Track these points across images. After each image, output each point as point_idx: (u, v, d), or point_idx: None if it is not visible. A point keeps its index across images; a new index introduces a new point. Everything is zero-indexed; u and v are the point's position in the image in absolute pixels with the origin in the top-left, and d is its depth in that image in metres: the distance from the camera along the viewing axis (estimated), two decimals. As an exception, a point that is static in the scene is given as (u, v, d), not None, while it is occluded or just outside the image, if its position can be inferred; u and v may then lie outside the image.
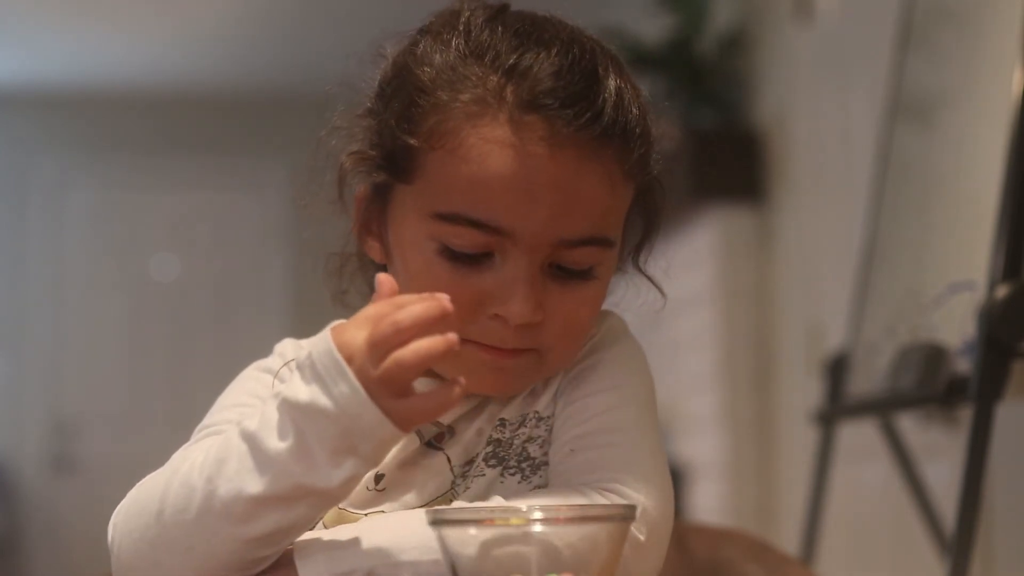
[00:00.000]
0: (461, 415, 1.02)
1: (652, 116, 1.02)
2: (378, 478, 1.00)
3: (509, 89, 0.96)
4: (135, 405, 6.24)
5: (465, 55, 0.98)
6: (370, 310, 0.89)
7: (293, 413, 0.88)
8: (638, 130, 0.99)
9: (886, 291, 2.22)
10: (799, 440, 3.33)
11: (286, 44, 5.62)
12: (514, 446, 1.02)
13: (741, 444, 3.72)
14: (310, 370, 0.88)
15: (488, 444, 1.02)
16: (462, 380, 0.87)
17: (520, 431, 1.02)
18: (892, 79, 2.42)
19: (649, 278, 1.09)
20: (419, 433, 1.01)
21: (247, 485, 0.89)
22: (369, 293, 0.93)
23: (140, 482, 0.96)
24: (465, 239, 0.96)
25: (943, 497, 2.28)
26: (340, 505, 0.99)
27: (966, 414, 1.83)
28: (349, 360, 0.87)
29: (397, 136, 0.99)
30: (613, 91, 0.97)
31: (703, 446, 3.90)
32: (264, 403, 0.92)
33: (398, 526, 0.93)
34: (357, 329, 0.88)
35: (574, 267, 0.99)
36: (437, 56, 0.99)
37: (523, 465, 1.01)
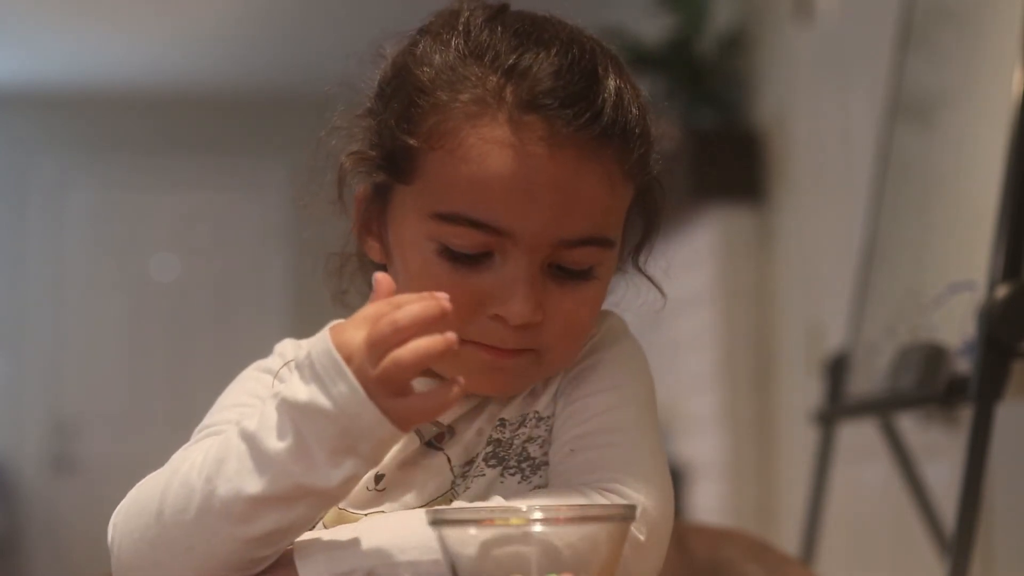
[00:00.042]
0: (461, 415, 1.02)
1: (652, 116, 1.02)
2: (378, 478, 1.00)
3: (509, 89, 0.96)
4: (135, 405, 6.24)
5: (464, 55, 0.98)
6: (369, 310, 0.89)
7: (292, 413, 0.88)
8: (638, 130, 0.99)
9: (886, 291, 2.22)
10: (799, 440, 3.33)
11: (286, 44, 5.62)
12: (514, 446, 1.02)
13: (741, 444, 3.72)
14: (309, 370, 0.88)
15: (488, 444, 1.02)
16: (461, 380, 0.87)
17: (520, 431, 1.02)
18: (892, 79, 2.42)
19: (649, 278, 1.09)
20: (419, 433, 1.01)
21: (246, 485, 0.89)
22: (369, 293, 0.93)
23: (140, 482, 0.96)
24: (465, 239, 0.96)
25: (943, 497, 2.28)
26: (340, 505, 0.99)
27: (966, 414, 1.83)
28: (348, 360, 0.87)
29: (397, 136, 0.99)
30: (613, 91, 0.97)
31: (703, 446, 3.90)
32: (264, 403, 0.92)
33: (398, 526, 0.93)
34: (356, 329, 0.88)
35: (574, 267, 0.99)
36: (437, 56, 0.99)
37: (523, 465, 1.01)
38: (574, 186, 0.96)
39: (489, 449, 1.01)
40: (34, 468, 6.21)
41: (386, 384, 0.86)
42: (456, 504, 0.99)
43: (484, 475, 1.01)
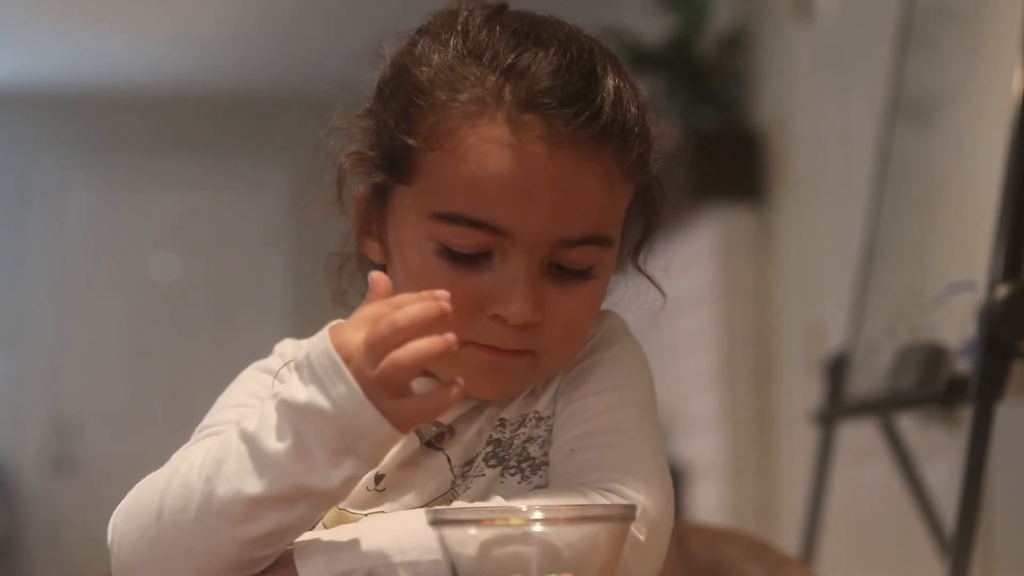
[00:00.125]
0: (461, 415, 1.02)
1: (651, 115, 1.02)
2: (378, 478, 1.00)
3: (507, 89, 0.96)
4: (135, 405, 6.24)
5: (463, 55, 0.98)
6: (368, 310, 0.89)
7: (291, 414, 0.88)
8: (637, 129, 0.99)
9: (886, 291, 2.22)
10: (799, 440, 3.33)
11: (286, 44, 5.62)
12: (514, 446, 1.02)
13: (741, 444, 3.72)
14: (308, 371, 0.88)
15: (488, 444, 1.02)
16: (460, 380, 0.87)
17: (520, 431, 1.02)
18: (892, 79, 2.42)
19: (649, 277, 1.09)
20: (419, 433, 1.01)
21: (246, 485, 0.89)
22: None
23: (140, 482, 0.96)
24: (464, 239, 0.96)
25: (943, 497, 2.28)
26: (340, 505, 0.99)
27: (966, 414, 1.83)
28: (347, 360, 0.87)
29: (396, 136, 0.99)
30: (611, 90, 0.97)
31: (703, 446, 3.90)
32: (263, 403, 0.92)
33: (398, 526, 0.93)
34: (355, 330, 0.88)
35: (573, 266, 0.99)
36: (435, 56, 0.99)
37: (523, 465, 1.01)
38: (573, 185, 0.96)
39: (489, 449, 1.01)
40: (34, 468, 6.21)
41: (385, 385, 0.86)
42: (456, 504, 0.99)
43: (484, 475, 1.01)
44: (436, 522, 0.83)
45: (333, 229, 1.08)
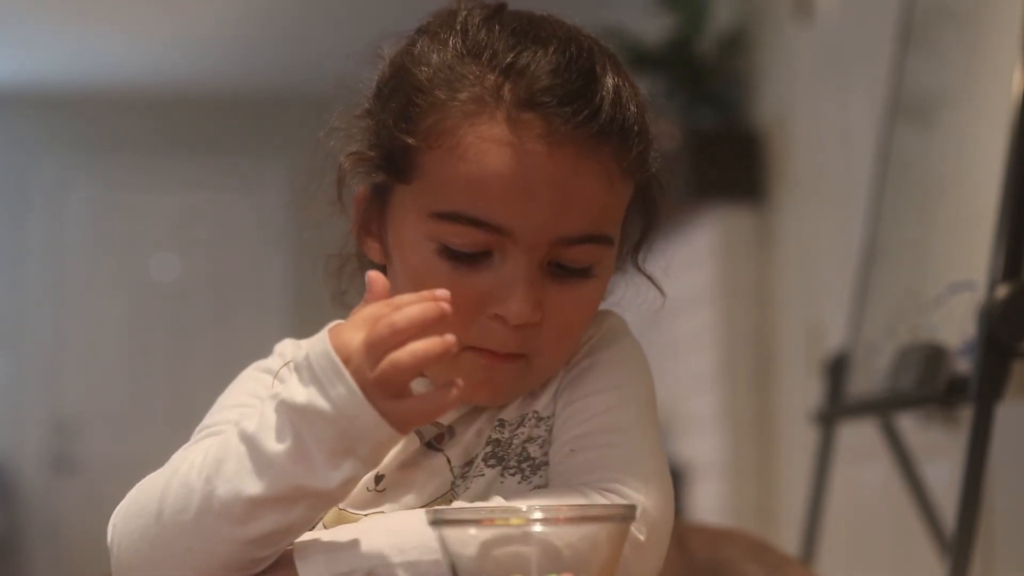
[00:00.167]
0: (461, 417, 1.02)
1: (650, 114, 1.02)
2: (378, 479, 1.00)
3: (507, 87, 0.96)
4: (135, 405, 6.24)
5: (462, 54, 0.98)
6: (367, 311, 0.89)
7: (291, 415, 0.88)
8: (636, 127, 0.99)
9: (886, 291, 2.22)
10: (799, 440, 3.33)
11: (286, 44, 5.62)
12: (513, 446, 1.02)
13: (741, 444, 3.72)
14: (307, 372, 0.88)
15: (487, 444, 1.02)
16: (459, 382, 0.87)
17: (519, 431, 1.02)
18: (892, 79, 2.42)
19: (649, 277, 1.09)
20: (419, 434, 1.01)
21: (246, 486, 0.89)
22: (369, 294, 0.93)
23: (140, 483, 0.96)
24: (464, 238, 0.96)
25: (943, 497, 2.28)
26: (340, 506, 0.99)
27: (966, 414, 1.83)
28: (346, 361, 0.87)
29: (395, 136, 0.99)
30: (611, 89, 0.97)
31: (703, 446, 3.90)
32: (263, 404, 0.92)
33: (398, 526, 0.93)
34: (354, 330, 0.88)
35: (573, 265, 0.99)
36: (434, 55, 0.99)
37: (523, 465, 1.01)
38: (572, 184, 0.96)
39: (488, 449, 1.01)
40: (34, 468, 6.21)
41: (384, 386, 0.86)
42: (456, 504, 0.99)
43: (483, 475, 1.01)
44: (436, 522, 0.83)
45: (333, 229, 1.08)
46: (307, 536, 0.94)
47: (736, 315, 3.75)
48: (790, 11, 3.64)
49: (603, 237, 0.99)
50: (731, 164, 3.79)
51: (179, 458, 0.96)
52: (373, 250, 1.04)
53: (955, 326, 1.83)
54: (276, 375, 1.05)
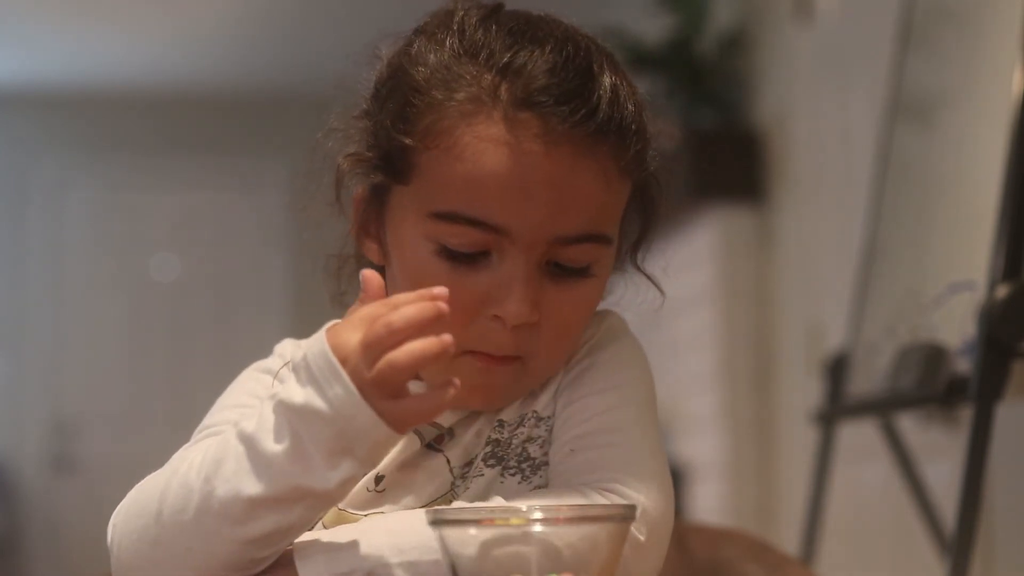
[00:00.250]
0: (461, 419, 1.02)
1: (648, 113, 1.02)
2: (378, 479, 1.00)
3: (503, 87, 0.96)
4: (135, 405, 6.24)
5: (459, 54, 0.98)
6: (365, 311, 0.89)
7: (289, 415, 0.88)
8: (634, 126, 0.99)
9: (886, 291, 2.22)
10: (799, 440, 3.33)
11: (286, 44, 5.62)
12: (513, 446, 1.02)
13: (741, 444, 3.72)
14: (305, 372, 0.88)
15: (487, 445, 1.02)
16: (457, 381, 0.87)
17: (519, 431, 1.02)
18: (892, 79, 2.42)
19: (648, 276, 1.09)
20: (420, 435, 1.01)
21: (244, 486, 0.89)
22: (367, 295, 0.93)
23: (139, 483, 0.96)
24: (462, 238, 0.96)
25: (943, 497, 2.28)
26: (340, 506, 0.99)
27: (966, 414, 1.83)
28: (344, 362, 0.87)
29: (393, 136, 0.99)
30: (608, 87, 0.97)
31: (703, 446, 3.90)
32: (262, 404, 0.92)
33: (398, 526, 0.93)
34: (351, 330, 0.88)
35: (571, 265, 0.99)
36: (431, 56, 0.99)
37: (523, 465, 1.01)
38: (570, 183, 0.96)
39: (488, 449, 1.01)
40: (34, 468, 6.21)
41: (381, 386, 0.86)
42: (456, 504, 0.98)
43: (483, 475, 1.01)
44: (436, 522, 0.83)
45: (332, 230, 1.08)
46: (307, 536, 0.94)
47: (736, 315, 3.75)
48: (790, 11, 3.64)
49: (601, 236, 0.99)
50: (731, 164, 3.79)
51: (179, 458, 0.96)
52: (372, 251, 1.04)
53: (955, 326, 1.83)
54: (276, 375, 1.05)
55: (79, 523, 5.86)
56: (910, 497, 2.36)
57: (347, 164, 1.03)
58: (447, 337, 0.86)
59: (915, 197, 2.20)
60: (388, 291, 0.96)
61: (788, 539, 3.11)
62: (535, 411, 1.03)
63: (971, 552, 1.64)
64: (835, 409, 2.35)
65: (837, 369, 2.34)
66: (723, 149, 3.81)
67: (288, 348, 1.08)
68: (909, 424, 2.55)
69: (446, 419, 1.01)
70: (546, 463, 1.01)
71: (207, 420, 1.03)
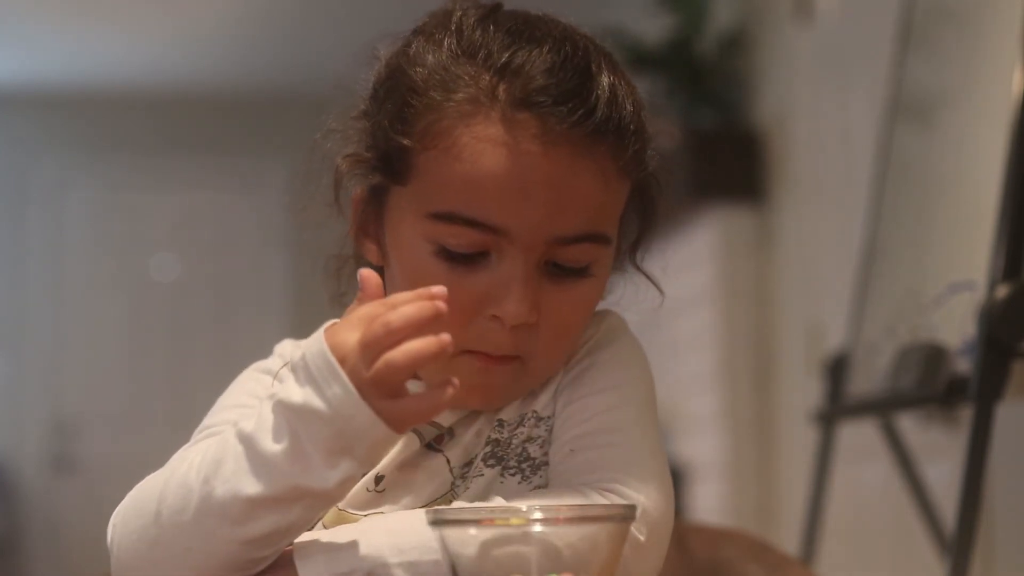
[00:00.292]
0: (461, 419, 1.02)
1: (647, 112, 1.02)
2: (378, 479, 1.00)
3: (502, 87, 0.96)
4: (135, 405, 6.24)
5: (457, 54, 0.98)
6: (363, 310, 0.89)
7: (288, 415, 0.88)
8: (632, 126, 0.99)
9: (886, 291, 2.22)
10: (799, 440, 3.33)
11: (286, 44, 5.62)
12: (513, 446, 1.02)
13: (741, 444, 3.72)
14: (304, 372, 0.88)
15: (487, 444, 1.02)
16: (455, 381, 0.87)
17: (519, 431, 1.02)
18: (892, 79, 2.42)
19: (647, 276, 1.09)
20: (419, 435, 1.01)
21: (243, 486, 0.89)
22: (366, 295, 0.93)
23: (139, 483, 0.96)
24: (461, 238, 0.96)
25: (943, 497, 2.28)
26: (340, 506, 0.99)
27: (966, 414, 1.83)
28: (342, 361, 0.87)
29: (391, 137, 0.98)
30: (606, 87, 0.97)
31: (703, 446, 3.90)
32: (261, 404, 0.92)
33: (398, 526, 0.93)
34: (350, 330, 0.88)
35: (570, 265, 0.99)
36: (430, 56, 0.99)
37: (523, 465, 1.01)
38: (568, 183, 0.96)
39: (488, 449, 1.01)
40: (34, 468, 6.21)
41: (379, 386, 0.86)
42: (456, 504, 0.98)
43: (483, 475, 1.01)
44: (436, 522, 0.83)
45: (332, 231, 1.08)
46: (307, 536, 0.94)
47: (736, 315, 3.75)
48: (790, 11, 3.64)
49: (600, 236, 0.99)
50: (731, 164, 3.79)
51: (178, 459, 0.96)
52: (371, 251, 1.04)
53: (955, 326, 1.83)
54: (276, 375, 1.05)
55: (79, 523, 5.86)
56: (910, 497, 2.36)
57: (346, 165, 1.03)
58: (445, 337, 0.86)
59: (915, 197, 2.20)
60: (387, 291, 0.97)
61: (788, 539, 3.11)
62: (535, 411, 1.03)
63: (971, 552, 1.64)
64: (835, 409, 2.35)
65: (837, 369, 2.34)
66: (723, 149, 3.81)
67: (288, 348, 1.08)
68: (909, 424, 2.55)
69: (446, 419, 1.01)
70: (546, 463, 1.01)
71: (207, 420, 1.03)
